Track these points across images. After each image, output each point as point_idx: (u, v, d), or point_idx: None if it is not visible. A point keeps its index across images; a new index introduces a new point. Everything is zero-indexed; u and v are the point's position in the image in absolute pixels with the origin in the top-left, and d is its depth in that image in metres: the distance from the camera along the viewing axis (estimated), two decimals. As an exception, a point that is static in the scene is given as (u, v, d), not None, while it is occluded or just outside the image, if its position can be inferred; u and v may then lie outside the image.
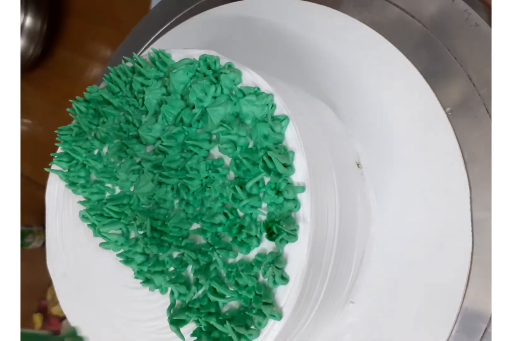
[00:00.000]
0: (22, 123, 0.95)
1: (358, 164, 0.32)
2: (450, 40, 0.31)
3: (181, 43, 0.43)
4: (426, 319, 0.31)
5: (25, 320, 0.92)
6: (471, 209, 0.29)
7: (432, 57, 0.32)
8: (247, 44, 0.39)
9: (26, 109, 0.92)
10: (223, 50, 0.31)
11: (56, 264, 0.40)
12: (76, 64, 0.87)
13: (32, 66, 0.91)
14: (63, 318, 0.89)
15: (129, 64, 0.36)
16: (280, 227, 0.26)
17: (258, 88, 0.28)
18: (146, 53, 0.34)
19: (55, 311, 0.91)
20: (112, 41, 0.79)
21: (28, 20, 0.85)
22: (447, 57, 0.31)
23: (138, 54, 0.48)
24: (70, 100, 0.38)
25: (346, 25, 0.34)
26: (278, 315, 0.26)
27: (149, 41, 0.47)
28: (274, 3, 0.39)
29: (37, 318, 0.93)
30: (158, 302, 0.32)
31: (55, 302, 0.90)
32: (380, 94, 0.33)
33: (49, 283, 0.39)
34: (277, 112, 0.28)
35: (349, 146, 0.32)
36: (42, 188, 0.36)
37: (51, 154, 0.38)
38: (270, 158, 0.26)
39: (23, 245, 0.89)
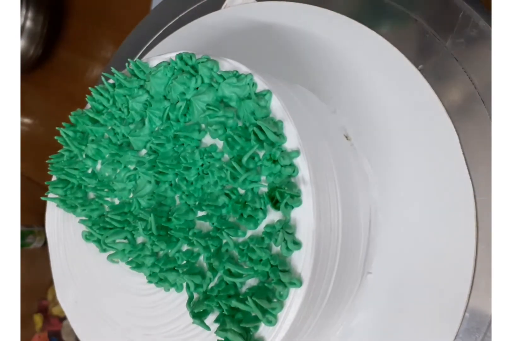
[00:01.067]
0: (22, 124, 0.95)
1: (346, 137, 0.33)
2: (422, 15, 0.33)
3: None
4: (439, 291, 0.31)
5: (26, 320, 0.88)
6: (464, 154, 0.30)
7: (401, 27, 0.33)
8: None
9: (26, 110, 0.92)
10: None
11: (66, 293, 0.39)
12: (76, 65, 0.88)
13: (32, 67, 0.92)
14: (63, 318, 0.86)
15: (110, 81, 0.37)
16: (283, 190, 0.26)
17: (237, 71, 0.30)
18: (146, 56, 0.35)
19: (55, 311, 0.88)
20: (113, 41, 0.81)
21: (29, 21, 0.86)
22: (419, 27, 0.32)
23: (138, 55, 0.49)
24: (57, 128, 0.39)
25: (311, 14, 0.36)
26: (297, 281, 0.25)
27: (150, 41, 0.48)
28: (241, 10, 0.41)
29: (38, 318, 0.89)
30: (175, 302, 0.31)
31: (56, 302, 0.87)
32: (355, 69, 0.34)
33: (49, 283, 0.38)
34: (259, 89, 0.29)
35: (334, 120, 0.33)
36: (43, 188, 0.36)
37: (46, 183, 0.38)
38: (260, 129, 0.27)
39: (24, 245, 0.87)
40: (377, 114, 0.33)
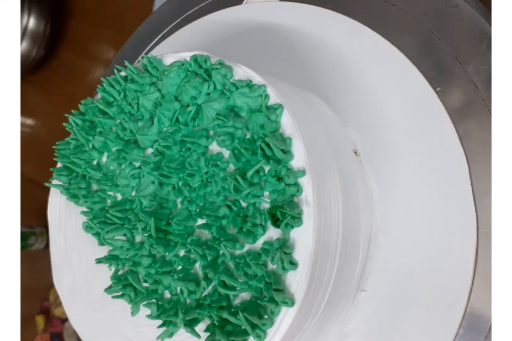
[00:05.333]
0: (25, 125, 0.95)
1: (355, 152, 0.33)
2: (435, 25, 0.32)
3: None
4: (435, 307, 0.31)
5: (28, 321, 0.90)
6: (471, 184, 0.29)
7: (418, 42, 0.32)
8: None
9: (29, 111, 0.93)
10: (218, 52, 0.32)
11: (63, 279, 0.40)
12: (79, 66, 0.88)
13: (35, 68, 0.92)
14: (65, 319, 0.88)
15: (122, 73, 0.36)
16: (284, 211, 0.26)
17: (251, 81, 0.29)
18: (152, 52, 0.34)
19: (57, 313, 0.90)
20: (115, 43, 0.81)
21: (32, 22, 0.86)
22: (434, 40, 0.31)
23: (140, 56, 0.49)
24: (66, 115, 0.39)
25: (332, 20, 0.35)
26: (290, 301, 0.26)
27: (152, 43, 0.48)
28: (262, 7, 0.40)
29: (40, 320, 0.91)
30: (169, 303, 0.32)
31: (58, 303, 0.89)
32: (371, 83, 0.34)
33: (51, 284, 0.39)
34: (271, 102, 0.28)
35: (345, 135, 0.33)
36: (45, 189, 0.37)
37: (51, 170, 0.38)
38: (268, 145, 0.27)
39: (26, 246, 0.88)
40: (388, 133, 0.32)
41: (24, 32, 0.85)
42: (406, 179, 0.32)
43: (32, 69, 0.93)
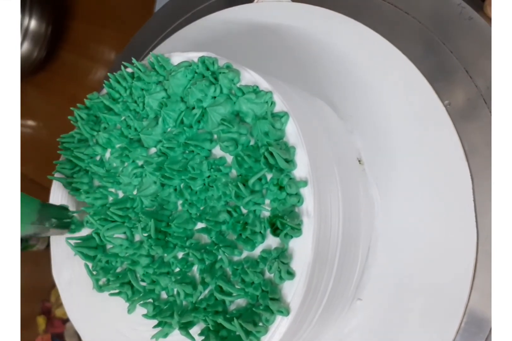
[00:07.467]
0: (26, 126, 0.95)
1: (359, 161, 0.32)
2: (448, 36, 0.31)
3: (184, 46, 0.43)
4: (432, 317, 0.31)
5: (29, 321, 0.91)
6: (474, 200, 0.29)
7: (429, 53, 0.32)
8: (248, 46, 0.40)
9: (30, 112, 0.92)
10: (224, 52, 0.31)
11: (61, 272, 0.40)
12: (80, 67, 0.88)
13: (36, 69, 0.92)
14: (66, 320, 0.89)
15: (129, 69, 0.36)
16: (284, 222, 0.26)
17: (257, 87, 0.29)
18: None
19: (58, 313, 0.90)
20: (116, 44, 0.80)
21: (33, 23, 0.86)
22: (445, 52, 0.31)
23: (141, 57, 0.49)
24: (71, 108, 0.38)
25: (343, 25, 0.35)
26: (285, 311, 0.26)
27: (153, 44, 0.47)
28: (273, 7, 0.39)
29: (41, 320, 0.92)
30: (165, 304, 0.32)
31: (59, 304, 0.90)
32: (379, 91, 0.33)
33: (53, 285, 0.39)
34: (276, 109, 0.28)
35: (350, 142, 0.33)
36: (46, 190, 0.37)
37: (54, 162, 0.38)
38: (271, 154, 0.27)
39: (27, 247, 0.88)
40: (393, 142, 0.32)
41: (25, 33, 0.85)
42: (409, 189, 0.32)
43: (33, 70, 0.93)
